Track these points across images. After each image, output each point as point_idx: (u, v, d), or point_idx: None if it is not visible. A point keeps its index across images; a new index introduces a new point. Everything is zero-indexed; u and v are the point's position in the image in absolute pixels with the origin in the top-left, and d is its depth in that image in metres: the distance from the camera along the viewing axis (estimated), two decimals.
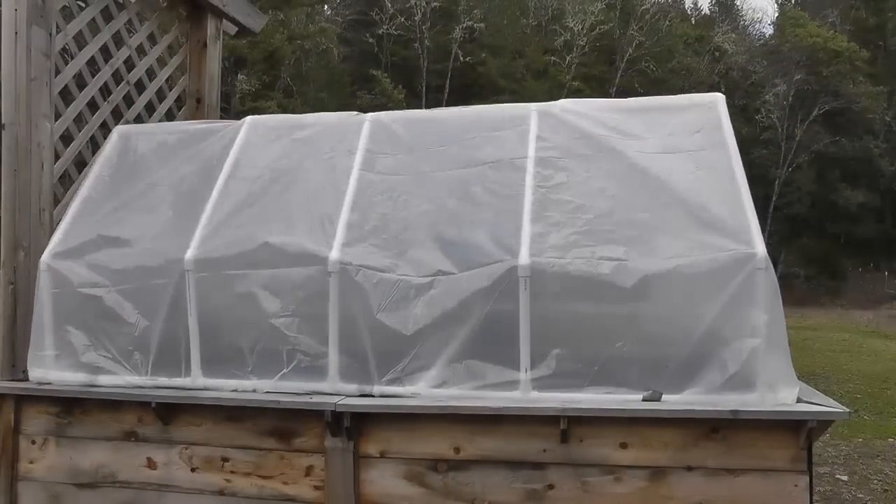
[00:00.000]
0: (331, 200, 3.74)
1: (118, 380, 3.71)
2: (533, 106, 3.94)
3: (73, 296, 3.81)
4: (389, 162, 3.87)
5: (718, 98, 3.78)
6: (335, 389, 3.46)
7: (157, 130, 4.60)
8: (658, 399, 3.15)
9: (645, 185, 3.48)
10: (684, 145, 3.60)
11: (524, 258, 3.30)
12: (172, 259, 3.69)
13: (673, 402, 3.13)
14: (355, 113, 4.19)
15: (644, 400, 3.15)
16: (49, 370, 3.81)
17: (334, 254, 3.50)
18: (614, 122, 3.75)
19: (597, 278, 3.25)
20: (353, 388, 3.45)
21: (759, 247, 3.13)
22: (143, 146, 4.37)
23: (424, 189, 3.73)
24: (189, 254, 3.66)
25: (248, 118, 4.32)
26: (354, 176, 3.80)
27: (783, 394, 3.09)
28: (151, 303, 3.71)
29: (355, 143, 3.94)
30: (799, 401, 3.12)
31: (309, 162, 3.97)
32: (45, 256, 3.87)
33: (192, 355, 3.64)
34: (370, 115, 4.12)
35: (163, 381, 3.66)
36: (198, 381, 3.63)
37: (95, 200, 4.14)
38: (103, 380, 3.74)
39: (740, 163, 3.47)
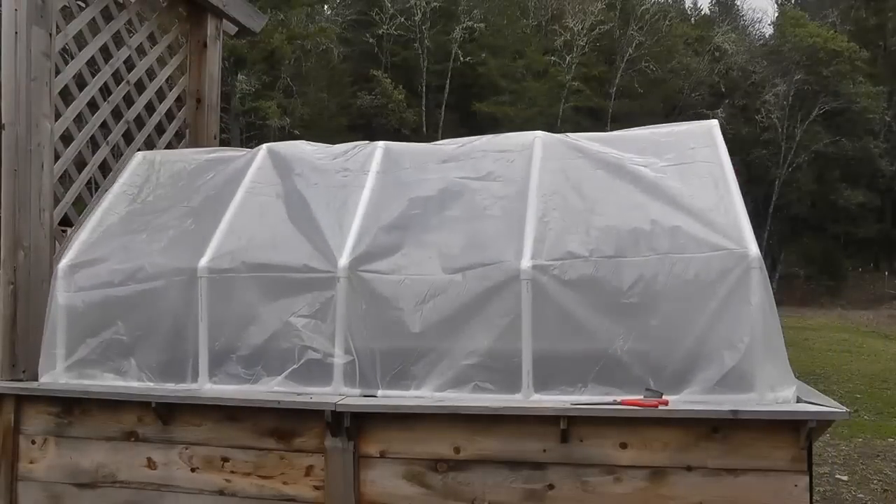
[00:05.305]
0: (343, 211, 3.86)
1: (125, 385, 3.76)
2: (539, 133, 4.13)
3: (86, 305, 3.89)
4: (399, 178, 4.04)
5: (713, 122, 4.07)
6: (339, 393, 3.48)
7: (178, 156, 4.72)
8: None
9: (643, 194, 3.61)
10: (680, 159, 3.77)
11: (526, 261, 3.37)
12: (186, 267, 3.77)
13: (672, 401, 3.14)
14: (367, 142, 4.37)
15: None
16: (59, 377, 3.86)
17: (343, 259, 3.58)
18: (614, 142, 3.98)
19: (596, 279, 3.33)
20: (357, 391, 3.48)
21: (752, 247, 3.22)
22: (164, 168, 4.54)
23: (432, 200, 3.87)
24: (203, 261, 3.74)
25: (265, 146, 4.48)
26: (366, 190, 3.95)
27: (781, 393, 3.12)
28: (163, 310, 3.78)
29: (368, 164, 4.12)
30: (799, 400, 3.14)
31: (323, 180, 4.12)
32: (61, 267, 3.96)
33: (201, 361, 3.68)
34: (382, 142, 4.32)
35: (170, 387, 3.69)
36: (205, 387, 3.66)
37: (114, 215, 4.28)
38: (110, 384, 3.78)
39: (733, 174, 3.62)
